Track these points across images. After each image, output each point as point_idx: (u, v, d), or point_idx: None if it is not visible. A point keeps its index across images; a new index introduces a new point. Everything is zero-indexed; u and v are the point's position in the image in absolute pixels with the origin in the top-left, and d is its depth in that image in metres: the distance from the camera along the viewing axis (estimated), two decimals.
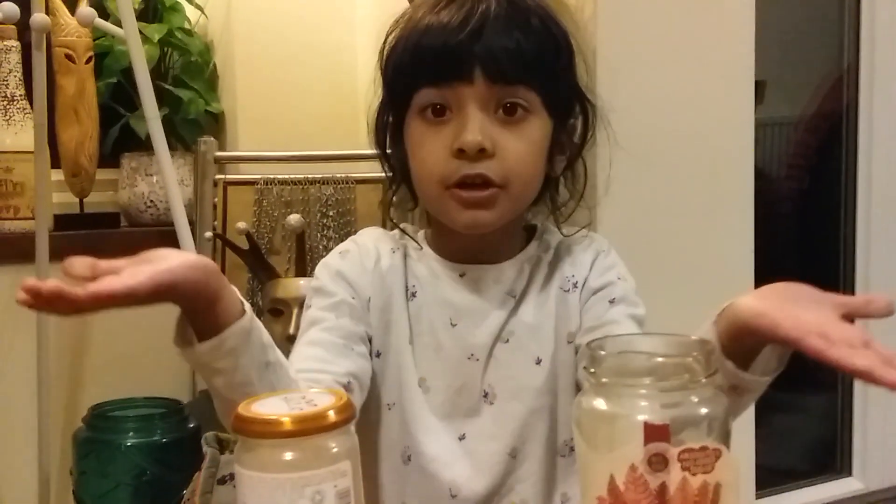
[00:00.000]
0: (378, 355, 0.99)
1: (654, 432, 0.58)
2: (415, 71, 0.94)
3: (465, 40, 0.91)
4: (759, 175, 1.87)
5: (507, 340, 0.98)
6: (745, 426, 1.77)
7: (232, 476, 1.08)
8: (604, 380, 0.61)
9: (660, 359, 0.62)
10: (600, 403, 0.61)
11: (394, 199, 1.05)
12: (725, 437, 0.61)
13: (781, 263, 2.34)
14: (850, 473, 2.26)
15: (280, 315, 1.81)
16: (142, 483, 1.71)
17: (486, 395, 0.98)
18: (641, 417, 0.59)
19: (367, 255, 1.01)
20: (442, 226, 1.00)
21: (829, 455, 2.33)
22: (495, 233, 0.98)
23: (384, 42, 0.99)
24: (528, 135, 0.94)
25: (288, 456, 0.59)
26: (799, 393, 2.41)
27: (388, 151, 1.02)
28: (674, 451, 0.58)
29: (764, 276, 1.87)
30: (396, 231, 1.05)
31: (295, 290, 1.80)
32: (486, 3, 0.92)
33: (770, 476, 2.02)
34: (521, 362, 0.98)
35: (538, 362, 0.98)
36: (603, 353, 0.62)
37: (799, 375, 2.43)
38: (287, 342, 1.76)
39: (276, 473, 0.59)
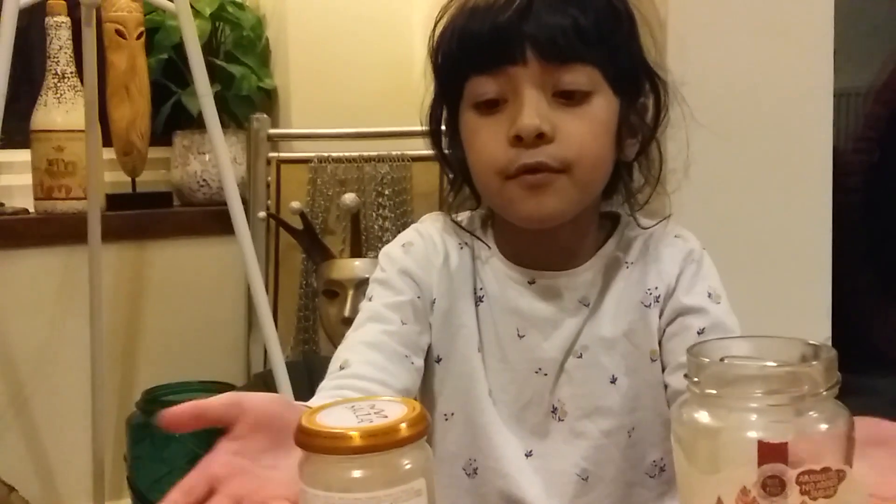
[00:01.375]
0: (438, 360, 0.92)
1: (769, 452, 0.51)
2: (463, 57, 0.86)
3: (513, 18, 0.83)
4: None
5: (581, 356, 0.90)
6: None
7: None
8: (708, 390, 0.54)
9: (773, 367, 0.55)
10: (703, 416, 0.55)
11: (453, 200, 0.96)
12: (849, 457, 0.54)
13: (852, 241, 2.25)
14: None
15: (335, 297, 1.77)
16: None
17: (554, 411, 0.91)
18: (753, 434, 0.52)
19: (434, 250, 0.93)
20: (508, 226, 0.91)
21: None
22: (565, 231, 0.89)
23: (433, 30, 0.91)
24: (591, 116, 0.85)
25: (356, 474, 0.53)
26: (873, 376, 2.32)
27: (446, 151, 0.95)
28: (792, 474, 0.51)
29: (835, 255, 1.79)
30: (463, 218, 0.97)
31: (350, 271, 1.75)
32: None
33: None
34: (594, 380, 0.90)
35: (613, 381, 0.90)
36: (706, 359, 0.55)
37: (874, 357, 2.35)
38: (342, 325, 1.72)
39: (344, 493, 0.53)
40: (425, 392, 0.92)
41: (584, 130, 0.85)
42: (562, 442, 0.90)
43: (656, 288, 0.90)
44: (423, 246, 0.93)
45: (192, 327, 1.99)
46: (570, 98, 0.84)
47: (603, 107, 0.86)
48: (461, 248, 0.94)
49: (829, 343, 1.71)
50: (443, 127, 0.94)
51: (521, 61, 0.83)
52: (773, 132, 1.60)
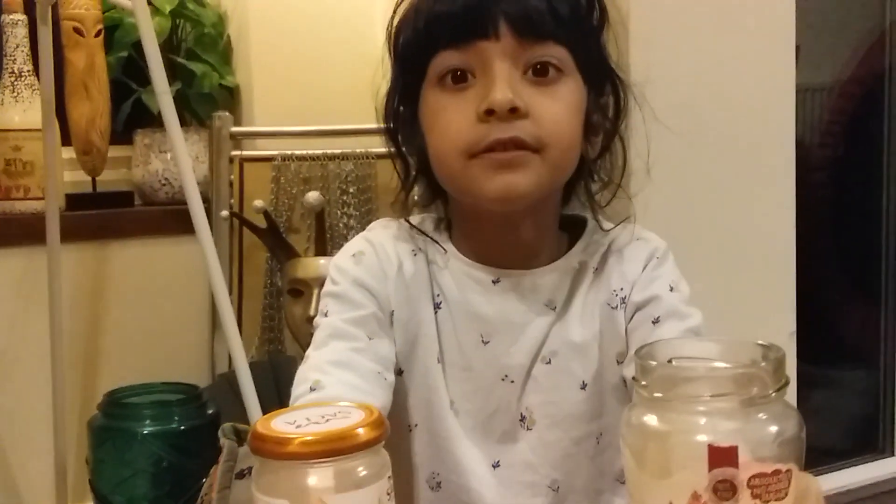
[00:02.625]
0: (401, 373, 0.88)
1: (720, 455, 0.50)
2: (431, 35, 0.83)
3: None
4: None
5: (550, 361, 0.88)
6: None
7: (251, 470, 1.02)
8: (656, 394, 0.54)
9: (721, 368, 0.54)
10: (652, 420, 0.54)
11: (405, 199, 0.92)
12: (799, 458, 0.53)
13: (818, 235, 2.26)
14: (892, 453, 2.19)
15: (300, 296, 1.76)
16: (160, 471, 1.66)
17: (522, 420, 0.88)
18: (703, 438, 0.51)
19: (386, 259, 0.89)
20: (468, 223, 0.89)
21: (871, 434, 2.25)
22: (527, 226, 0.87)
23: (393, 14, 0.89)
24: (563, 96, 0.83)
25: (311, 481, 0.52)
26: (839, 368, 2.34)
27: (401, 146, 0.91)
28: (743, 477, 0.50)
29: (801, 249, 1.80)
30: (415, 221, 0.93)
31: (315, 270, 1.74)
32: None
33: (809, 455, 1.94)
34: (564, 387, 0.87)
35: (583, 387, 0.88)
36: (654, 362, 0.55)
37: (839, 350, 2.36)
38: (307, 324, 1.71)
39: (296, 500, 0.52)
40: (393, 405, 0.90)
41: (559, 110, 0.83)
42: (530, 452, 0.88)
43: (621, 289, 0.88)
44: (375, 255, 0.89)
45: (155, 328, 1.96)
46: (543, 75, 0.82)
47: (574, 89, 0.85)
48: (415, 254, 0.90)
49: (794, 337, 1.72)
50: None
51: (493, 36, 0.81)
52: (737, 129, 1.61)
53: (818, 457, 2.10)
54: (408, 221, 0.92)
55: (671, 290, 0.88)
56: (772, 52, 1.66)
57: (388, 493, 0.54)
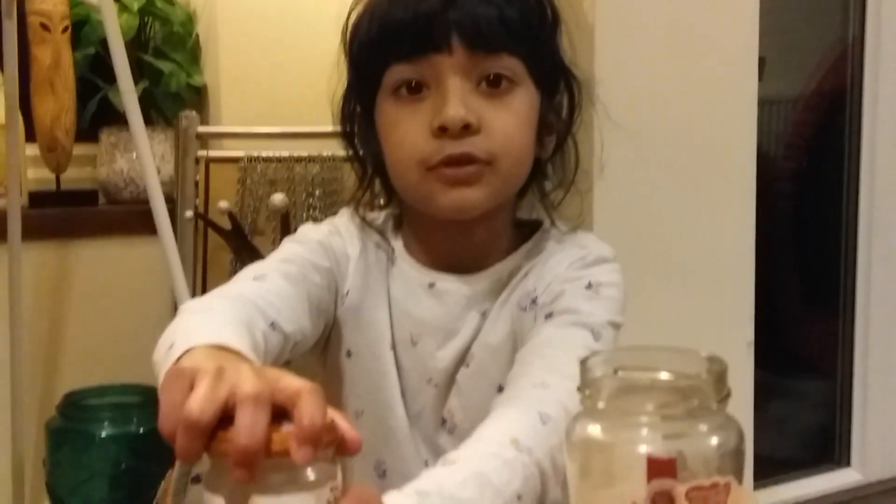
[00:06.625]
0: (349, 355, 0.90)
1: (658, 467, 0.51)
2: (384, 46, 0.84)
3: (437, 6, 0.82)
4: (757, 154, 1.81)
5: (468, 365, 0.89)
6: (743, 413, 1.73)
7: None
8: (600, 404, 0.54)
9: (664, 379, 0.55)
10: (596, 430, 0.55)
11: (361, 198, 0.94)
12: (738, 471, 0.54)
13: (779, 246, 2.28)
14: (848, 464, 2.21)
15: None
16: (118, 474, 1.65)
17: (444, 423, 0.89)
18: (644, 449, 0.52)
19: (351, 243, 0.92)
20: (420, 224, 0.91)
21: (828, 445, 2.27)
22: (479, 229, 0.88)
23: (347, 19, 0.90)
24: (515, 108, 0.85)
25: (262, 480, 0.51)
26: (796, 379, 2.36)
27: (358, 148, 0.93)
28: (681, 489, 0.51)
29: (762, 258, 1.82)
30: (376, 217, 0.95)
31: None
32: None
33: (765, 466, 1.97)
34: (482, 390, 0.88)
35: (500, 389, 0.86)
36: (598, 372, 0.55)
37: (797, 360, 2.38)
38: None
39: (230, 499, 0.51)
40: (335, 388, 0.91)
41: (510, 122, 0.84)
42: None
43: (535, 290, 0.89)
44: (340, 236, 0.92)
45: (117, 329, 1.95)
46: (496, 87, 0.84)
47: (526, 100, 0.86)
48: (377, 245, 0.93)
49: (752, 346, 1.73)
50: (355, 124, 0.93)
51: (445, 49, 0.82)
52: (696, 136, 1.62)
53: (775, 467, 2.12)
54: (362, 219, 0.94)
55: (588, 287, 0.86)
56: (734, 60, 1.67)
57: (329, 502, 0.53)
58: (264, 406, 0.51)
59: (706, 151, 1.66)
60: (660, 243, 1.57)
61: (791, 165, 2.43)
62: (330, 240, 0.90)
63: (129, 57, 1.60)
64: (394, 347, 0.90)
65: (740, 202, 1.73)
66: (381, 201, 0.98)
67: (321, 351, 0.93)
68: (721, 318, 1.70)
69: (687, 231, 1.64)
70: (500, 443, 0.71)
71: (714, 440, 0.53)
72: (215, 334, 0.68)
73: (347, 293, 0.90)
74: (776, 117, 2.41)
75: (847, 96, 2.27)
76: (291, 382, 0.53)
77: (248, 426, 0.50)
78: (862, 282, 2.22)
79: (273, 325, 0.79)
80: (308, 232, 0.92)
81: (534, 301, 0.88)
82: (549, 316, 0.86)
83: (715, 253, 1.67)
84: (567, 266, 0.89)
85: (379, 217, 0.95)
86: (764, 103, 1.92)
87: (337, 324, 0.91)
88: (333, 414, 0.54)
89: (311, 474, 0.53)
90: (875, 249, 2.19)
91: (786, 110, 2.46)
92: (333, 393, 0.91)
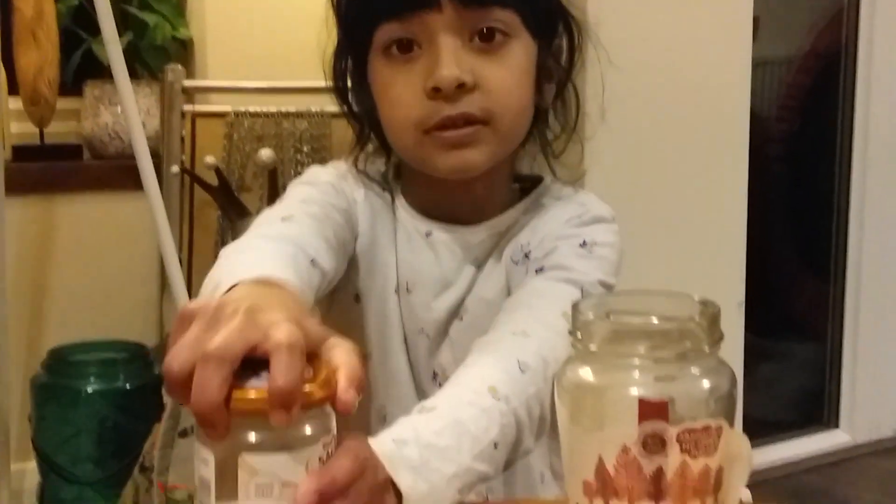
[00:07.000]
0: (357, 299, 0.89)
1: (650, 409, 0.50)
2: (372, 4, 0.82)
3: None
4: (751, 116, 1.79)
5: (462, 318, 0.88)
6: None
7: (194, 427, 1.01)
8: (592, 347, 0.53)
9: (656, 323, 0.53)
10: (587, 374, 0.53)
11: (359, 154, 0.91)
12: (730, 414, 0.53)
13: (771, 208, 2.27)
14: (836, 426, 2.22)
15: None
16: (104, 430, 1.64)
17: (435, 377, 0.88)
18: (635, 392, 0.51)
19: (357, 187, 0.90)
20: (417, 177, 0.88)
21: (817, 407, 2.28)
22: (479, 182, 0.86)
23: None
24: (511, 61, 0.82)
25: (251, 438, 0.50)
26: (787, 341, 2.37)
27: (352, 103, 0.90)
28: (672, 432, 0.50)
29: (754, 220, 1.81)
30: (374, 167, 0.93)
31: None
32: None
33: (755, 427, 1.97)
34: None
35: None
36: (590, 315, 0.54)
37: (787, 323, 2.39)
38: None
39: (219, 453, 0.50)
40: (341, 333, 0.89)
41: (507, 77, 0.82)
42: None
43: (528, 244, 0.87)
44: (347, 181, 0.89)
45: (103, 285, 1.93)
46: (489, 41, 0.81)
47: (522, 52, 0.84)
48: (378, 195, 0.91)
49: (742, 307, 1.73)
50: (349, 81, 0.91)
51: (435, 6, 0.79)
52: (691, 95, 1.61)
53: (764, 429, 2.13)
54: (362, 171, 0.92)
55: (582, 245, 0.85)
56: (729, 20, 1.66)
57: (321, 459, 0.52)
58: (300, 353, 0.51)
59: (699, 112, 1.65)
60: (652, 202, 1.56)
61: (784, 127, 2.42)
62: (340, 182, 0.89)
63: (113, 8, 1.57)
64: (397, 292, 0.89)
65: (733, 162, 1.72)
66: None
67: (329, 294, 0.91)
68: (712, 277, 1.70)
69: (680, 190, 1.64)
70: (478, 390, 0.71)
71: (706, 383, 0.52)
72: (259, 268, 0.67)
73: (358, 236, 0.88)
74: (769, 78, 2.40)
75: (842, 57, 2.26)
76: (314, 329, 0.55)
77: (285, 370, 0.50)
78: (854, 245, 2.21)
79: (313, 262, 0.77)
80: (318, 173, 0.90)
81: (526, 255, 0.87)
82: (539, 270, 0.85)
83: (707, 212, 1.67)
84: (563, 223, 0.87)
85: (377, 164, 0.94)
86: (757, 64, 1.90)
87: (347, 266, 0.89)
88: (341, 363, 0.54)
89: (307, 429, 0.51)
90: (867, 213, 2.19)
91: (779, 71, 2.44)
92: (342, 335, 0.89)
